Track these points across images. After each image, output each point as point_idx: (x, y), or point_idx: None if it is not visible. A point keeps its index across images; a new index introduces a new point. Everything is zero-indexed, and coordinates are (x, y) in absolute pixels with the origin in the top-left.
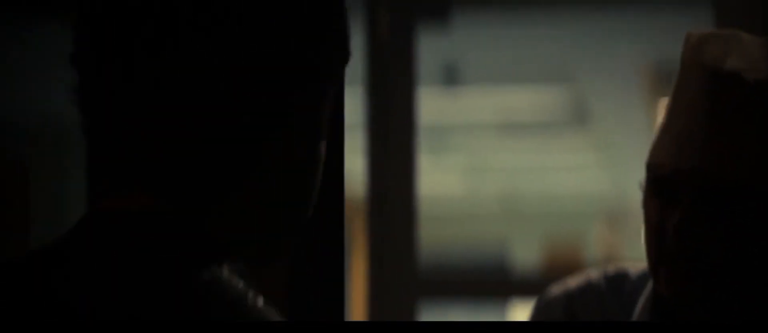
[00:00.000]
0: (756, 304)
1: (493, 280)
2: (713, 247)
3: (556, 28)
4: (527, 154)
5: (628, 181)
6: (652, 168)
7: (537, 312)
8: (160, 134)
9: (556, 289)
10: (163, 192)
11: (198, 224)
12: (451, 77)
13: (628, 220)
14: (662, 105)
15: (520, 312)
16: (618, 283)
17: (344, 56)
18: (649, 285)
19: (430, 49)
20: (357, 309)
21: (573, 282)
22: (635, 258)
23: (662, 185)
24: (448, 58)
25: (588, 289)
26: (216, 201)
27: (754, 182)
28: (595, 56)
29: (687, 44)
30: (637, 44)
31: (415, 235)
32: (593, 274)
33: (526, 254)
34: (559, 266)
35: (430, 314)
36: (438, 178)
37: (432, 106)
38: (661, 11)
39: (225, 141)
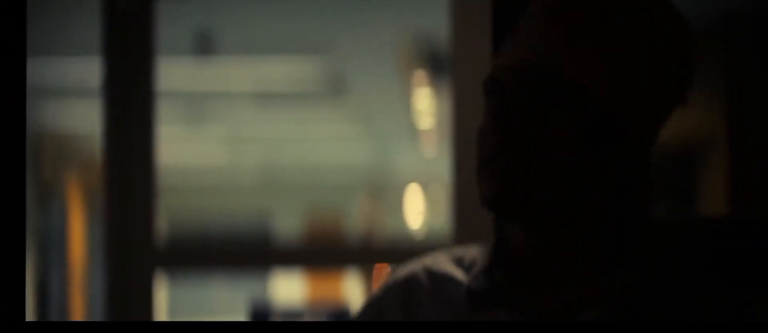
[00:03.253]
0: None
1: (255, 251)
2: (528, 136)
3: None
4: (286, 124)
5: (387, 153)
6: (490, 72)
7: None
8: None
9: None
10: None
11: None
12: (205, 47)
13: (388, 190)
14: (419, 77)
15: (281, 283)
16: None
17: None
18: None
19: (180, 17)
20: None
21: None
22: (395, 228)
23: (491, 84)
24: (202, 28)
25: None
26: None
27: (570, 74)
28: (351, 27)
29: None
30: (394, 16)
31: (153, 206)
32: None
33: (287, 224)
34: (321, 236)
35: (173, 284)
36: (198, 148)
37: (187, 75)
38: None
39: None
